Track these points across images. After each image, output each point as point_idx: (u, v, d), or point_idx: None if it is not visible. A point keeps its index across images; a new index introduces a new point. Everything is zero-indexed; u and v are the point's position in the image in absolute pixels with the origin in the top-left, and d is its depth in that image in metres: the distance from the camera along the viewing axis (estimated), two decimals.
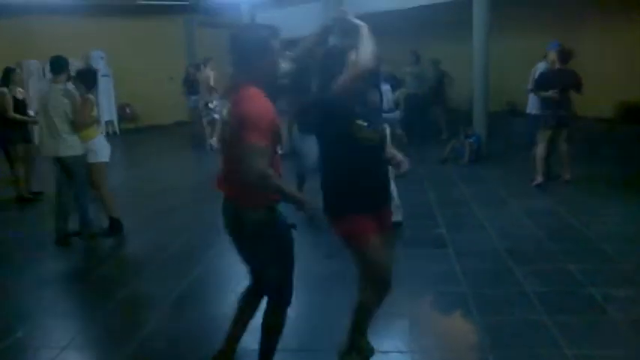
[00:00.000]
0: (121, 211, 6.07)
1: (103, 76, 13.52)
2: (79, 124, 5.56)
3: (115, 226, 5.99)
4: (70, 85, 5.98)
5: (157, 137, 14.01)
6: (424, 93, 11.01)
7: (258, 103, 2.56)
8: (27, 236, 6.24)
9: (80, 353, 3.62)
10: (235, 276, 4.60)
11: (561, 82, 6.86)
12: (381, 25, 12.62)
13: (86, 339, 3.80)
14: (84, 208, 5.81)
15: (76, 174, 5.69)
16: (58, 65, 5.71)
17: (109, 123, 14.16)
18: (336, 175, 2.94)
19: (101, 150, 5.86)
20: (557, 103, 6.93)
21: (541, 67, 8.03)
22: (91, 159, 5.78)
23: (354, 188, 2.88)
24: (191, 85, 12.15)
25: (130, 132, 14.66)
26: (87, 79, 5.86)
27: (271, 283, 2.87)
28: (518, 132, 10.26)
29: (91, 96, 5.74)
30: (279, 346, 2.98)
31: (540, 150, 7.16)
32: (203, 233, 5.88)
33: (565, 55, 6.94)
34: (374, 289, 3.01)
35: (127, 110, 14.97)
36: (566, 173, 7.25)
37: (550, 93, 6.92)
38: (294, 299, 2.91)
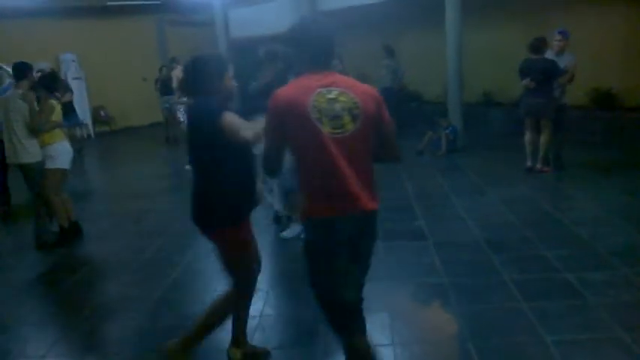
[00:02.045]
0: (97, 214, 6.00)
1: (75, 79, 13.37)
2: (35, 128, 5.45)
3: (66, 236, 5.79)
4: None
5: (132, 139, 13.86)
6: (399, 87, 11.06)
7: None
8: None
9: None
10: (214, 278, 4.59)
11: (534, 71, 6.99)
12: (354, 19, 12.60)
13: (65, 347, 3.74)
14: (39, 215, 5.75)
15: (32, 180, 5.60)
16: (19, 71, 5.62)
17: (83, 126, 13.97)
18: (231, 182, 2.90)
19: (60, 156, 5.64)
20: (530, 92, 7.07)
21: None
22: (48, 164, 5.61)
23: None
24: (164, 85, 12.02)
25: (105, 135, 14.51)
26: (47, 83, 5.74)
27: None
28: (494, 121, 10.36)
29: (52, 101, 5.58)
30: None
31: (526, 136, 7.40)
32: (180, 236, 5.82)
33: (533, 46, 7.09)
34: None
35: (102, 113, 14.80)
36: (538, 163, 7.30)
37: (524, 82, 7.09)
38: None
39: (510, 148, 7.36)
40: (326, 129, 2.29)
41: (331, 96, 2.32)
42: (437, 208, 6.20)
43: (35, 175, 5.58)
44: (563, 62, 7.02)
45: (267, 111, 2.39)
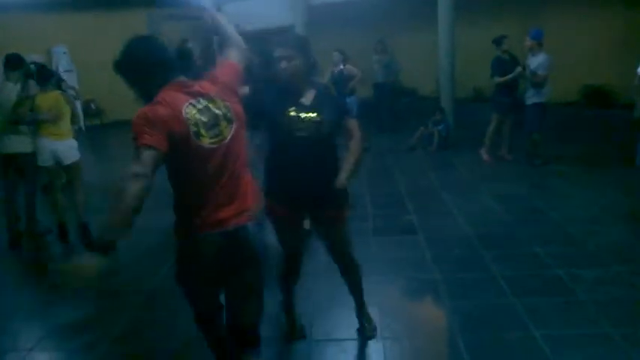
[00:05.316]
0: (90, 209, 5.93)
1: (66, 71, 13.24)
2: (13, 120, 5.44)
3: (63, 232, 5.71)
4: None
5: (123, 132, 13.70)
6: (392, 82, 11.05)
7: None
8: None
9: (47, 355, 3.55)
10: None
11: None
12: (347, 14, 12.57)
13: (54, 341, 3.72)
14: (30, 207, 5.70)
15: (24, 171, 5.62)
16: (11, 63, 5.59)
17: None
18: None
19: (38, 153, 5.53)
20: None
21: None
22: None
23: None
24: None
25: (95, 128, 14.40)
26: (38, 76, 5.66)
27: None
28: (484, 118, 10.37)
29: (42, 95, 5.51)
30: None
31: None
32: (172, 232, 5.76)
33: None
34: None
35: (92, 106, 14.69)
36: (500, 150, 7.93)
37: None
38: None
39: (501, 144, 7.39)
40: (205, 140, 2.21)
41: (201, 106, 2.23)
42: (428, 203, 6.20)
43: (25, 165, 5.57)
44: (533, 63, 7.11)
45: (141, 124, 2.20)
